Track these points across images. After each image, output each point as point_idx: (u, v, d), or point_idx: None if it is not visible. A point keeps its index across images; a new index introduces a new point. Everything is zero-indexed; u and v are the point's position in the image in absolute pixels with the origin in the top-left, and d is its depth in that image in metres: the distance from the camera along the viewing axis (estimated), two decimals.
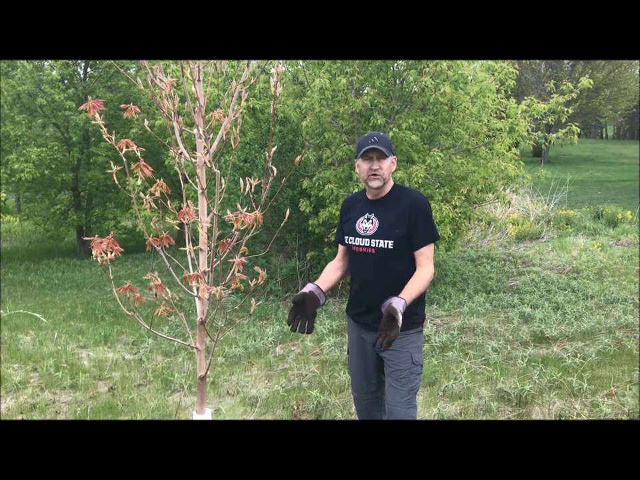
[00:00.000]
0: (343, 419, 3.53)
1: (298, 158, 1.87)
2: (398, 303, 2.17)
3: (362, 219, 2.50)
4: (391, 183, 2.52)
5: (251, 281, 1.82)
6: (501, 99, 6.98)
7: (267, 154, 1.78)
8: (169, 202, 1.77)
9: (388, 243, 2.41)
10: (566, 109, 6.80)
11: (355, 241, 2.50)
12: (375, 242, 2.44)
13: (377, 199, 2.50)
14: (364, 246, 2.47)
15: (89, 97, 1.67)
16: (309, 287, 2.39)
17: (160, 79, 1.70)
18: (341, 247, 2.66)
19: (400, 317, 2.13)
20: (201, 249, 1.80)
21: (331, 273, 2.63)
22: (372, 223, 2.47)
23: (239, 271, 1.76)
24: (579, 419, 3.43)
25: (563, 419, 3.44)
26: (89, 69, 12.80)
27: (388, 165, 2.43)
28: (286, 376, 4.38)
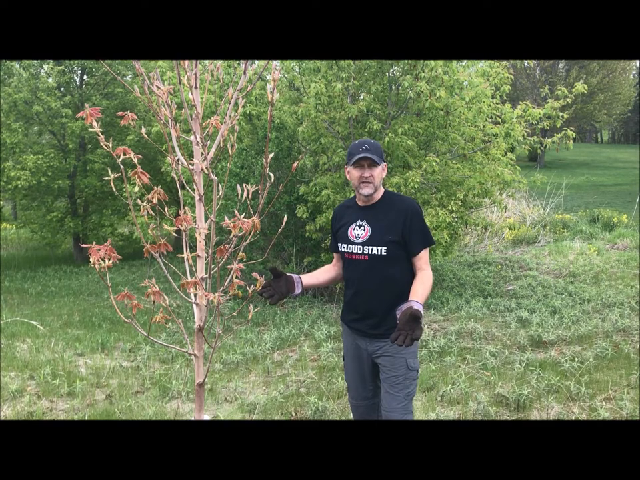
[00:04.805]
0: None
1: (295, 164, 1.87)
2: (419, 307, 2.16)
3: (354, 225, 2.51)
4: (382, 189, 2.53)
5: (249, 287, 1.82)
6: (497, 104, 7.01)
7: (264, 160, 1.78)
8: (166, 209, 1.78)
9: (381, 249, 2.42)
10: (561, 114, 6.84)
11: (347, 248, 2.51)
12: (368, 249, 2.44)
13: (367, 205, 2.51)
14: (357, 253, 2.47)
15: (86, 105, 1.67)
16: (291, 274, 2.44)
17: (157, 86, 1.71)
18: (335, 254, 2.68)
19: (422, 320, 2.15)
20: (198, 256, 1.80)
21: (321, 272, 2.70)
22: (364, 230, 2.47)
23: (236, 277, 1.76)
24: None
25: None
26: (85, 76, 12.77)
27: (379, 172, 2.44)
28: (284, 382, 4.37)
